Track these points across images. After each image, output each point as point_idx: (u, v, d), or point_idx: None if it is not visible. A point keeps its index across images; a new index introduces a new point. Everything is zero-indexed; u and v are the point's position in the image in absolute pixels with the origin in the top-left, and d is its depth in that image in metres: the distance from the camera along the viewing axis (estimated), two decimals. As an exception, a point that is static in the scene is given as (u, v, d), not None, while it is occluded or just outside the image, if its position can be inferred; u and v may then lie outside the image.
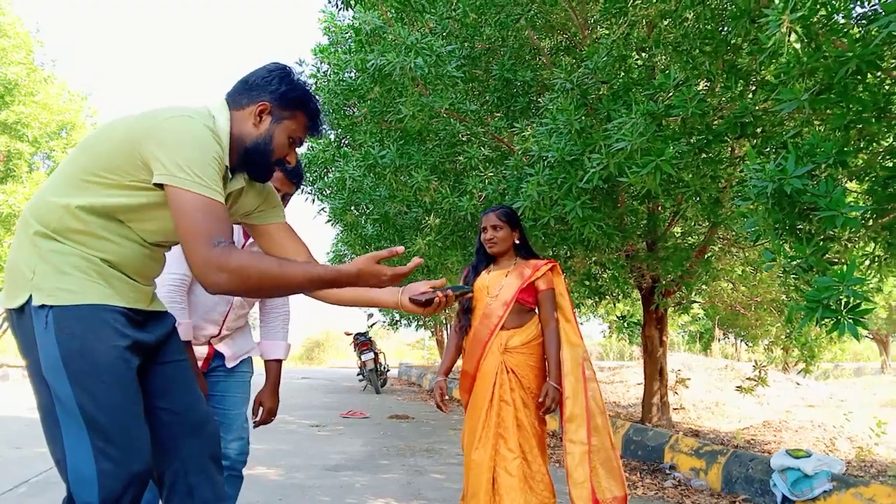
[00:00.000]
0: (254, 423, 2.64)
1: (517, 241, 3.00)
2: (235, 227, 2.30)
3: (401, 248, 1.58)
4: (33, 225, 1.53)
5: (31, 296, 1.49)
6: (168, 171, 1.46)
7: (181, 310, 2.24)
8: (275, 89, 1.64)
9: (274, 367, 2.63)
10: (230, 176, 1.67)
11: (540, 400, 2.81)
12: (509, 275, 2.92)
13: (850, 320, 2.12)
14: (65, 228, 1.52)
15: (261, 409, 2.62)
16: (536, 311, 2.96)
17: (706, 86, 4.50)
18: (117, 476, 1.46)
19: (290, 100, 1.65)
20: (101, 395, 1.47)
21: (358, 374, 13.48)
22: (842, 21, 2.86)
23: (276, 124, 1.65)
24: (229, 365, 2.51)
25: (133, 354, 1.55)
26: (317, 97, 1.74)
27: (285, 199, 2.34)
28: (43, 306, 1.48)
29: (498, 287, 2.90)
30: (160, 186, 1.49)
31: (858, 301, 2.13)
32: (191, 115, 1.53)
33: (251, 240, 2.39)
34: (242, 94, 1.66)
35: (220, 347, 2.48)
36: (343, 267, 1.54)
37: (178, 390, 1.70)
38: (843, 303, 2.14)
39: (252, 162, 1.67)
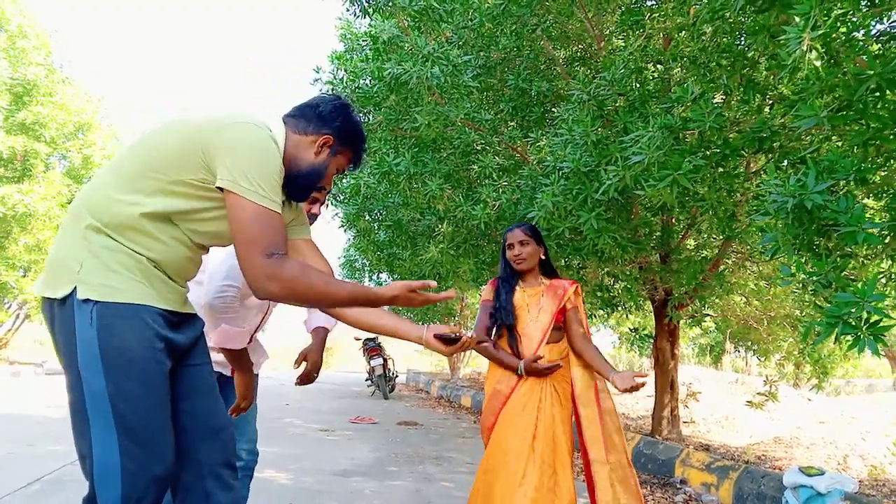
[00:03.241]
0: (298, 379, 2.63)
1: (542, 257, 3.00)
2: None
3: (433, 283, 1.70)
4: (86, 218, 1.56)
5: (75, 288, 1.51)
6: (233, 178, 1.51)
7: (234, 318, 2.28)
8: (339, 125, 1.75)
9: (322, 333, 2.66)
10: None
11: (624, 389, 2.61)
12: (545, 295, 2.92)
13: (871, 337, 2.11)
14: (119, 225, 1.55)
15: (304, 363, 2.60)
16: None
17: (723, 99, 4.50)
18: (140, 476, 1.49)
19: (348, 137, 1.78)
20: (133, 394, 1.49)
21: (366, 380, 13.50)
22: (862, 38, 2.86)
23: (332, 157, 1.77)
24: (255, 372, 2.57)
25: (167, 357, 1.58)
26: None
27: (317, 202, 2.41)
28: (87, 300, 1.50)
29: (537, 308, 2.90)
30: (221, 189, 1.54)
31: (878, 318, 2.12)
32: (257, 125, 1.58)
33: None
34: (309, 121, 1.74)
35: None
36: (381, 291, 1.65)
37: (201, 394, 1.73)
38: (862, 319, 2.13)
39: (299, 185, 1.74)
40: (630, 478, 2.86)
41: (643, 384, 2.65)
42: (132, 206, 1.54)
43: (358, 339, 13.72)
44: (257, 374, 2.62)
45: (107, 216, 1.55)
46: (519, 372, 2.80)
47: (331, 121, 1.74)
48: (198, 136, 1.55)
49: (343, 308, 1.80)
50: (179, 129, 1.59)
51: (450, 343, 1.77)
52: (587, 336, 2.97)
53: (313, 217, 2.42)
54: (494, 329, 2.99)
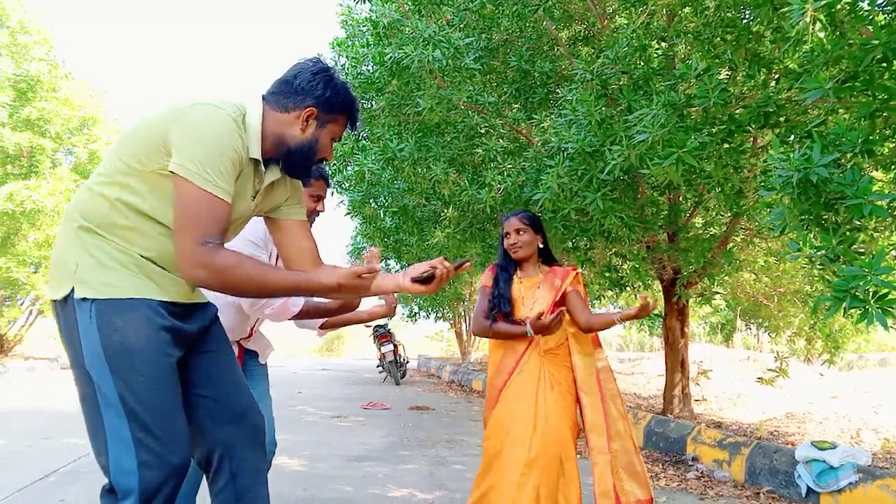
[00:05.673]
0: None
1: (541, 246, 2.96)
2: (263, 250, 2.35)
3: (378, 268, 1.66)
4: (77, 219, 1.57)
5: (73, 288, 1.52)
6: (180, 162, 1.49)
7: (266, 302, 2.31)
8: (320, 94, 1.67)
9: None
10: (262, 168, 1.69)
11: (637, 314, 2.56)
12: (541, 286, 2.89)
13: (879, 310, 2.09)
14: (108, 223, 1.55)
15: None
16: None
17: (727, 74, 4.45)
18: (157, 467, 1.50)
19: (334, 104, 1.69)
20: (141, 388, 1.50)
21: (378, 366, 13.58)
22: (867, 8, 2.81)
23: (321, 128, 1.70)
24: (262, 361, 2.63)
25: (173, 347, 1.58)
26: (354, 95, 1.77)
27: (321, 200, 2.43)
28: (85, 299, 1.51)
29: (532, 300, 2.87)
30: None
31: (887, 290, 2.10)
32: (217, 105, 1.55)
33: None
34: (287, 96, 1.67)
35: (251, 346, 2.58)
36: (324, 279, 1.62)
37: (220, 379, 1.74)
38: (870, 292, 2.11)
39: (296, 163, 1.70)
40: (636, 464, 2.83)
41: (652, 301, 2.55)
42: (114, 201, 1.54)
43: (368, 326, 13.76)
44: (265, 364, 2.66)
45: (96, 216, 1.55)
46: (529, 334, 2.77)
47: (310, 91, 1.66)
48: (161, 124, 1.53)
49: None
50: (147, 120, 1.58)
51: (427, 282, 1.71)
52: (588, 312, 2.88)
53: (317, 214, 2.43)
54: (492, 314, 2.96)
